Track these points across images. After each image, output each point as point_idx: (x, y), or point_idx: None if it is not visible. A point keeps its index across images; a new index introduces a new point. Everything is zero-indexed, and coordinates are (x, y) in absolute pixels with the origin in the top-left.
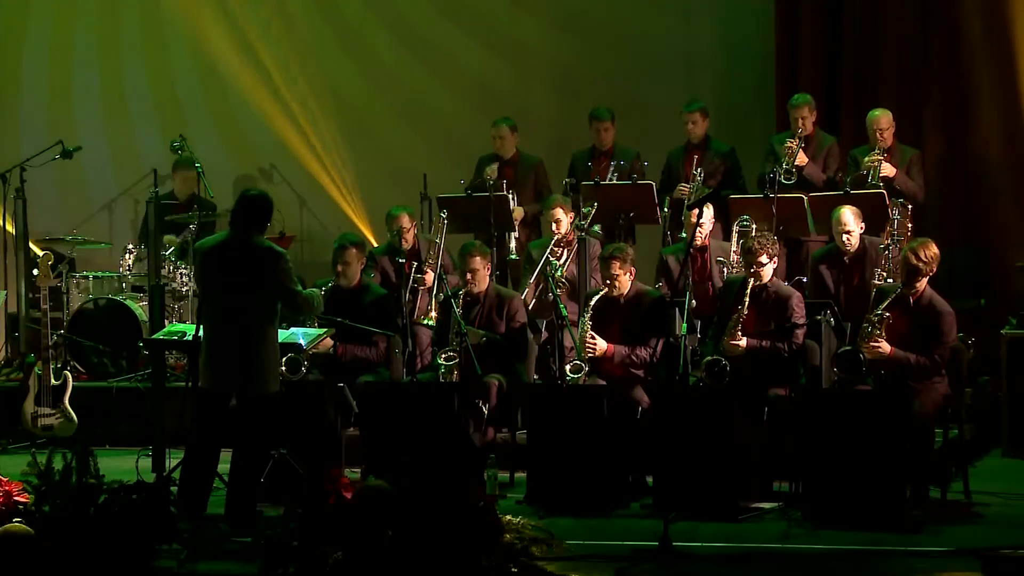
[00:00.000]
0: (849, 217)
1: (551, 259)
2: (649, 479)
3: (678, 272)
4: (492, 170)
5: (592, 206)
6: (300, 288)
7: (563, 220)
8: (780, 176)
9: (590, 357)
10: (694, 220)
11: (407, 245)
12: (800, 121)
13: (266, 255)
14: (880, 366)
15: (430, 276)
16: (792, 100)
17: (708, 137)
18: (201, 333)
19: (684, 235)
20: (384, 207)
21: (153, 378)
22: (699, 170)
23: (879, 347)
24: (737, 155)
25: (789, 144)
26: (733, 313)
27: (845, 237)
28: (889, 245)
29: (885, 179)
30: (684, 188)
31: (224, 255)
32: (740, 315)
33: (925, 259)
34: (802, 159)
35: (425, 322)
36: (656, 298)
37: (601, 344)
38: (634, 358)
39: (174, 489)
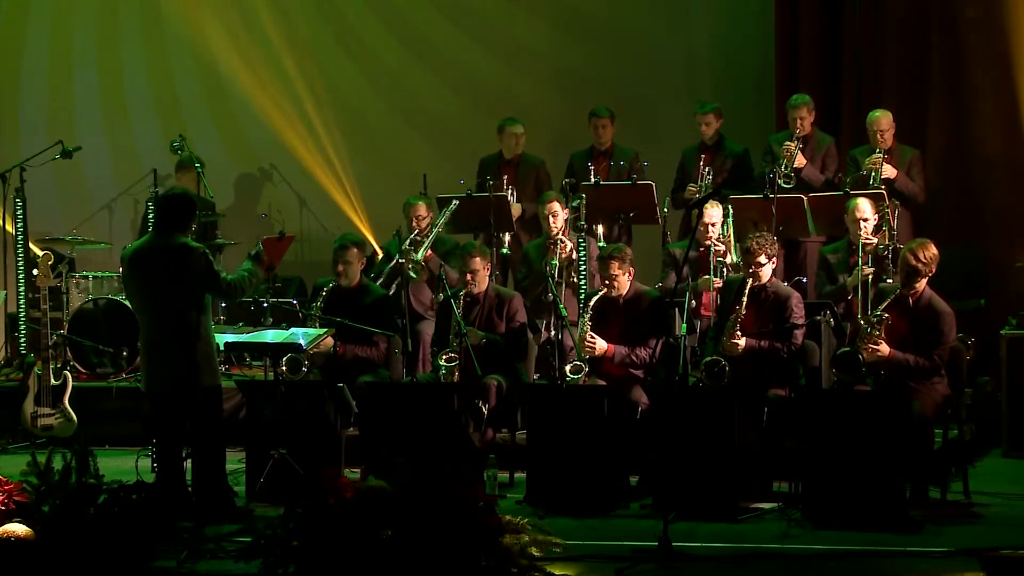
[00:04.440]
0: (865, 205)
1: (552, 260)
2: (634, 480)
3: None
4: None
5: (580, 198)
6: (223, 275)
7: (559, 215)
8: (780, 179)
9: (590, 357)
10: (707, 220)
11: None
12: (799, 121)
13: (179, 252)
14: (879, 367)
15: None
16: (791, 100)
17: (722, 137)
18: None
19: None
20: (384, 207)
21: None
22: (707, 169)
23: (878, 349)
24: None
25: (787, 147)
26: (731, 313)
27: (861, 223)
28: (890, 246)
29: (887, 181)
30: (693, 188)
31: (144, 258)
32: (738, 315)
33: (924, 260)
34: (800, 161)
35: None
36: (655, 298)
37: (601, 344)
38: (634, 358)
39: None
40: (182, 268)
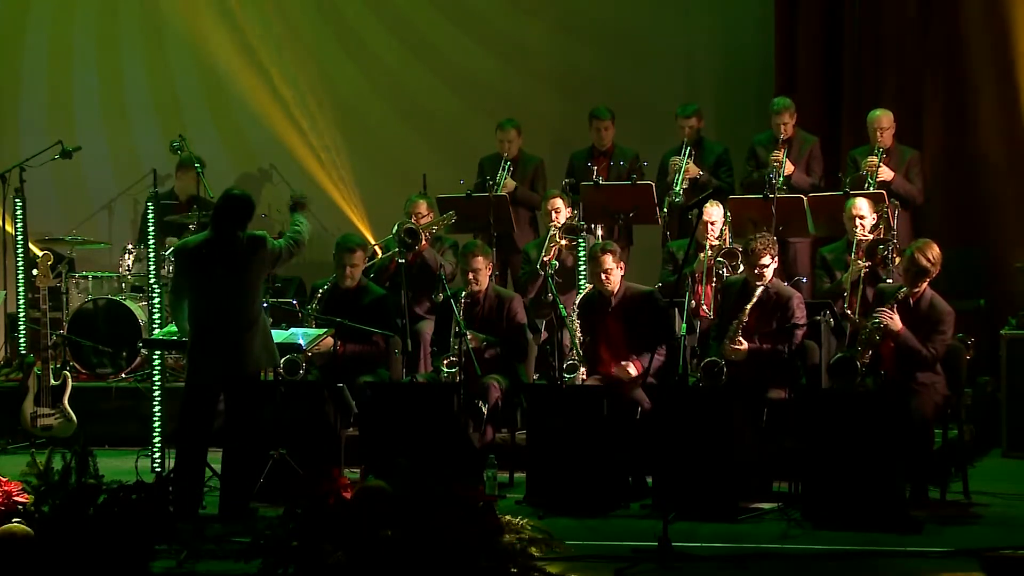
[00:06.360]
0: (863, 203)
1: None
2: (649, 479)
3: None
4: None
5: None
6: (281, 243)
7: (562, 210)
8: (767, 191)
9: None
10: (707, 219)
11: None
12: (782, 127)
13: (252, 243)
14: (889, 337)
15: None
16: (773, 105)
17: (702, 138)
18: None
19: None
20: (384, 207)
21: (159, 378)
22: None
23: (891, 320)
24: (730, 155)
25: (775, 156)
26: (734, 317)
27: (858, 221)
28: (888, 245)
29: (883, 184)
30: (675, 160)
31: (212, 252)
32: (740, 321)
33: (932, 259)
34: (789, 168)
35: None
36: (648, 294)
37: (630, 369)
38: (658, 364)
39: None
40: (260, 255)
